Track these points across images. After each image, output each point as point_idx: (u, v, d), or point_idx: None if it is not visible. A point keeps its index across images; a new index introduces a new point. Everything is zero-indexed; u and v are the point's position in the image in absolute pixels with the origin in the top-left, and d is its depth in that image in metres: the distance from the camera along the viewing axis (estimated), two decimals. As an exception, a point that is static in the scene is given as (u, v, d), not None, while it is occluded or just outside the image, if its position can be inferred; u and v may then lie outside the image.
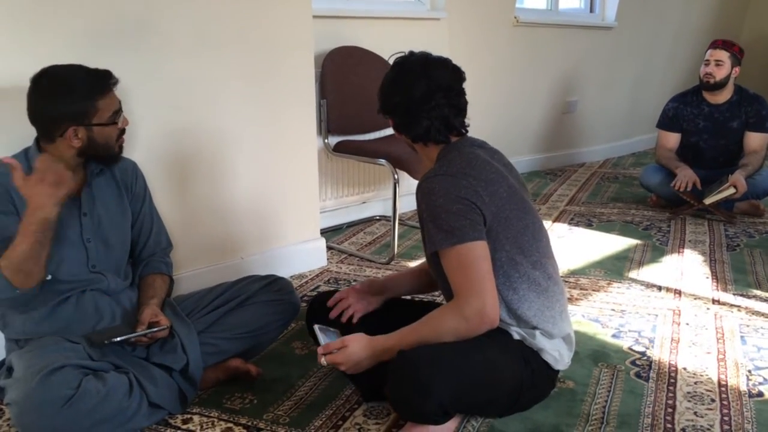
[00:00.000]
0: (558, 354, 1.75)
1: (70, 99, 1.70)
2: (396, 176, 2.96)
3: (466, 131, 1.80)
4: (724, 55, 3.64)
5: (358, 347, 1.67)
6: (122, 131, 1.83)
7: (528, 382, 1.69)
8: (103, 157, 1.81)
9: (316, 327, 1.83)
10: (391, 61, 1.83)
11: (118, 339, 1.73)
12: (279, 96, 2.69)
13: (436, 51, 3.99)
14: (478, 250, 1.61)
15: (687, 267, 2.94)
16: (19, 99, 1.75)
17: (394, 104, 1.77)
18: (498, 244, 1.67)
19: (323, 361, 1.68)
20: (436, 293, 2.30)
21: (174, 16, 2.32)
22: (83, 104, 1.71)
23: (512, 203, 1.70)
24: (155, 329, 1.78)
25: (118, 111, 1.79)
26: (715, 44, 3.72)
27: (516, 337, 1.70)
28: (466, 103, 1.79)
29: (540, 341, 1.71)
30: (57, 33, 2.06)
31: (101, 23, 2.15)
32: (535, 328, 1.72)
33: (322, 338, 1.77)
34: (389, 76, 1.78)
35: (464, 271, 1.61)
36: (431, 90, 1.71)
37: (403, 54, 1.80)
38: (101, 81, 1.75)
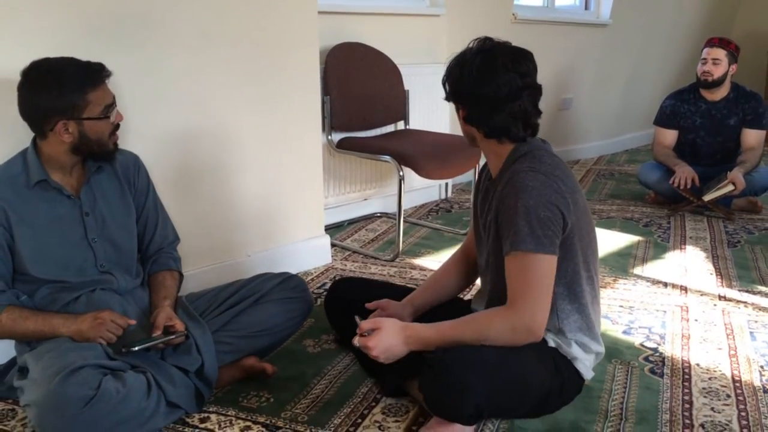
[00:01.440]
0: (589, 363, 1.75)
1: (59, 91, 1.65)
2: (401, 173, 2.95)
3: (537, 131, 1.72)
4: (721, 54, 3.66)
5: (390, 332, 1.62)
6: (116, 127, 1.78)
7: (557, 389, 1.68)
8: (97, 154, 1.77)
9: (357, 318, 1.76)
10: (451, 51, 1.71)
11: (136, 348, 1.70)
12: (284, 92, 2.66)
13: (435, 47, 4.01)
14: (549, 265, 1.57)
15: (690, 263, 2.96)
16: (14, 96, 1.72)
17: (476, 95, 1.63)
18: (569, 254, 1.63)
19: (356, 341, 1.63)
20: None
21: (177, 11, 2.29)
22: (73, 97, 1.66)
23: (586, 215, 1.68)
24: (172, 336, 1.77)
25: (111, 105, 1.74)
26: (712, 42, 3.73)
27: (551, 344, 1.69)
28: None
29: (575, 350, 1.70)
30: (56, 28, 2.01)
31: (103, 19, 2.11)
32: (570, 339, 1.71)
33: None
34: (476, 64, 1.62)
35: (528, 282, 1.56)
36: (520, 87, 1.61)
37: (481, 40, 1.66)
38: (93, 73, 1.70)
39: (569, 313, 1.69)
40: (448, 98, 1.72)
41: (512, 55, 1.63)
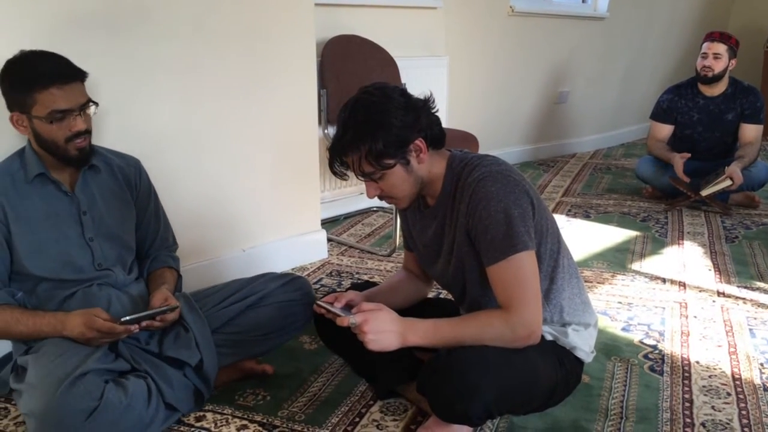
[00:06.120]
0: (588, 347, 1.72)
1: (10, 84, 1.66)
2: (398, 167, 2.92)
3: None
4: (721, 48, 3.63)
5: (389, 318, 1.54)
6: (77, 133, 1.69)
7: (563, 381, 1.67)
8: (59, 157, 1.71)
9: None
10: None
11: (129, 318, 1.65)
12: (280, 86, 2.63)
13: (432, 40, 3.98)
14: (533, 262, 1.55)
15: (688, 259, 2.94)
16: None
17: (387, 132, 1.51)
18: (542, 237, 1.62)
19: (351, 319, 1.52)
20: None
21: (171, 3, 2.25)
22: (20, 92, 1.65)
23: (539, 197, 1.65)
24: (165, 308, 1.72)
25: (64, 111, 1.66)
26: (712, 37, 3.70)
27: (548, 337, 1.66)
28: None
29: (572, 339, 1.68)
30: (44, 20, 1.96)
31: (93, 11, 2.06)
32: (566, 324, 1.69)
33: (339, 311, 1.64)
34: (361, 118, 1.52)
35: (520, 284, 1.53)
36: (411, 102, 1.56)
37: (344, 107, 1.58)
38: (47, 74, 1.63)
39: (558, 293, 1.67)
40: (381, 169, 1.55)
41: (377, 90, 1.56)
